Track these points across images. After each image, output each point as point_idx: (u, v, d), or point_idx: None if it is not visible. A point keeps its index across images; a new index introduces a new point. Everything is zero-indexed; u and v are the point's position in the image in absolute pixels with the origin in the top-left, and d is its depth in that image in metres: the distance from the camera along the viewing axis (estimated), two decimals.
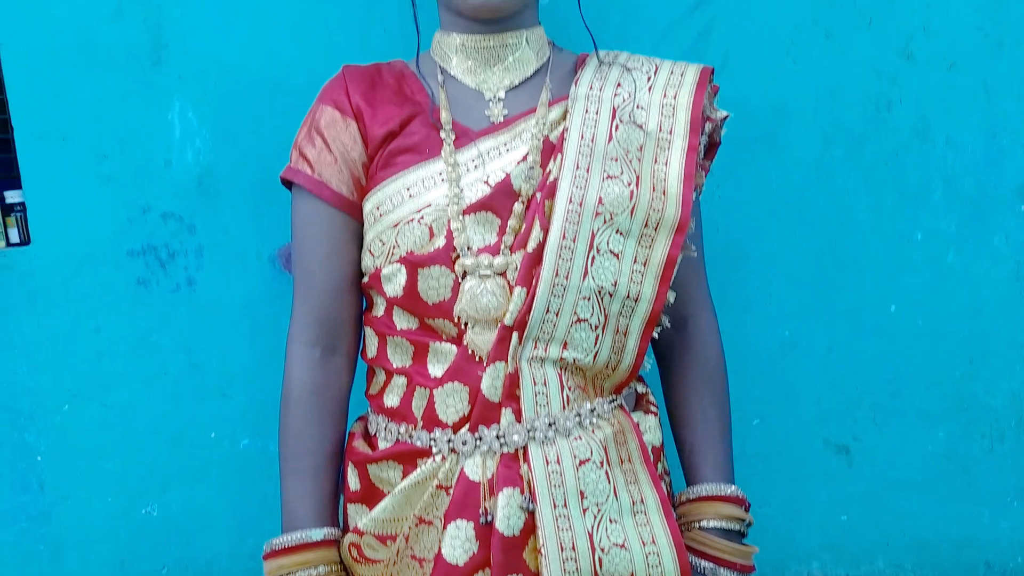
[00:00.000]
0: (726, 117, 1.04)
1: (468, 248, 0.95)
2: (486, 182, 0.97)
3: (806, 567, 1.46)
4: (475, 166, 0.97)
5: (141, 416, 1.32)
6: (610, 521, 0.94)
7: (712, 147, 1.05)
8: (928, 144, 1.37)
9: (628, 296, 0.96)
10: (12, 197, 1.37)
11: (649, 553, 0.95)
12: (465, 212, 0.95)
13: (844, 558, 1.45)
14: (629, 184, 0.96)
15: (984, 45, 1.35)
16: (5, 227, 1.37)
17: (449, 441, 0.96)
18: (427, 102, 1.01)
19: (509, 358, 0.94)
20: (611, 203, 0.95)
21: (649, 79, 1.02)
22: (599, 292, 0.95)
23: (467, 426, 0.95)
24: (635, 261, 0.96)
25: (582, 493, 0.94)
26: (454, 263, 0.95)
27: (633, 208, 0.95)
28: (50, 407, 1.31)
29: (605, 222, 0.95)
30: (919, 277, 1.40)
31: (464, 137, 0.99)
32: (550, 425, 0.95)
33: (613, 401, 1.01)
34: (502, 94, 1.02)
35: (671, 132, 0.98)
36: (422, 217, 0.96)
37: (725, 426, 1.08)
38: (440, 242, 0.95)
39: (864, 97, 1.35)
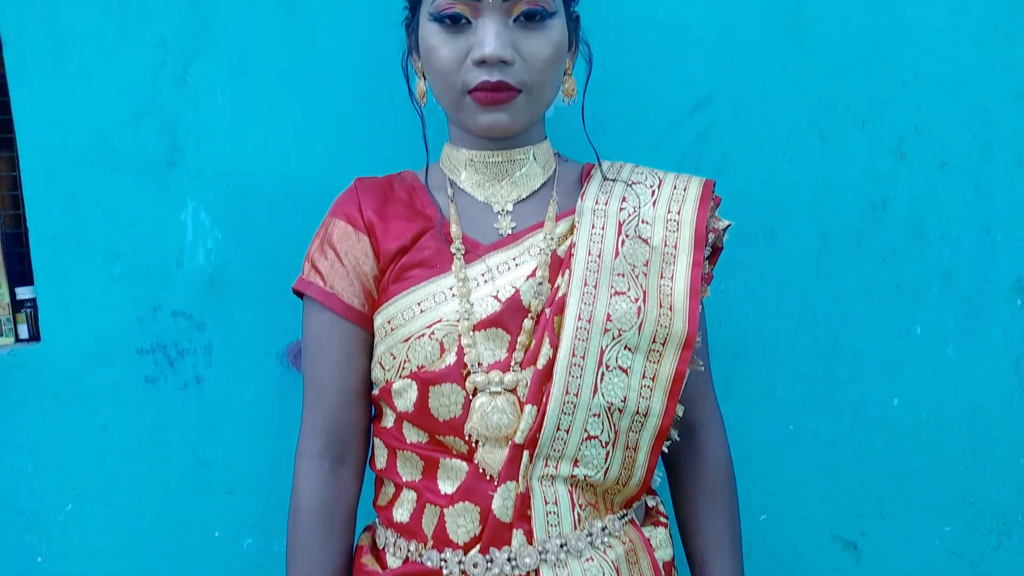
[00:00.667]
0: (728, 226, 1.07)
1: (479, 364, 0.96)
2: (496, 297, 0.98)
3: None
4: (485, 281, 0.99)
5: (144, 514, 1.32)
6: None
7: (715, 252, 1.08)
8: (923, 241, 1.40)
9: (638, 412, 0.97)
10: (23, 293, 1.39)
11: None
12: (475, 328, 0.97)
13: None
14: (636, 300, 0.98)
15: (974, 145, 1.40)
16: (15, 323, 1.39)
17: (460, 562, 0.95)
18: (437, 216, 1.04)
19: (520, 477, 0.95)
20: (619, 319, 0.97)
21: (653, 193, 1.04)
22: (609, 408, 0.96)
23: (478, 547, 0.95)
24: (644, 376, 0.97)
25: None
26: (465, 380, 0.96)
27: (641, 324, 0.97)
28: (53, 507, 1.31)
29: (614, 338, 0.96)
30: (920, 371, 1.41)
31: (473, 252, 1.01)
32: (562, 546, 0.95)
33: (624, 516, 1.01)
34: (510, 207, 1.04)
35: (676, 247, 1.00)
36: (432, 332, 0.97)
37: (735, 537, 1.08)
38: (451, 359, 0.96)
39: (860, 196, 1.39)
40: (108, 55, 1.29)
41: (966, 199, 1.40)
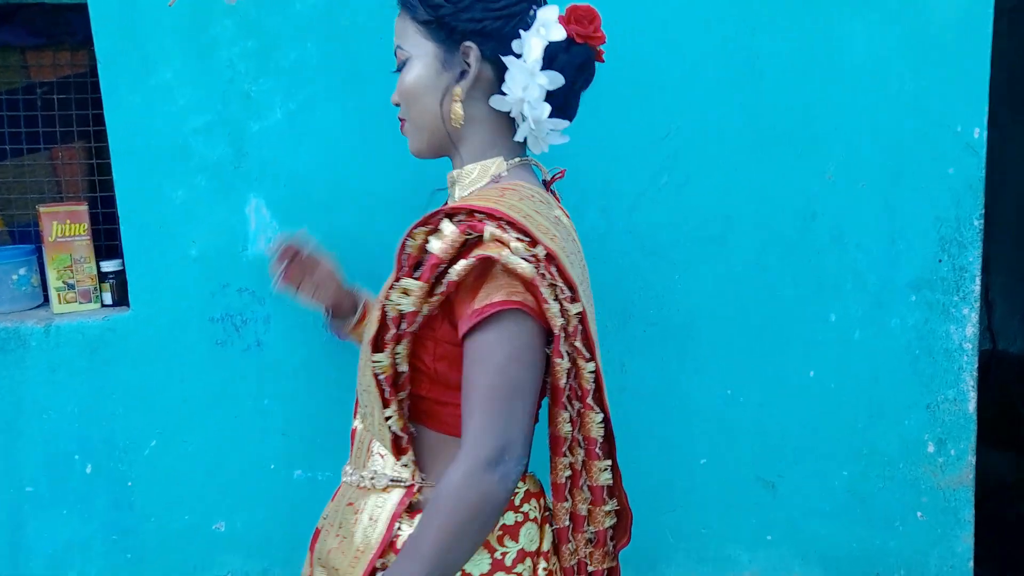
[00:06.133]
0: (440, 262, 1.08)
1: None
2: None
3: None
4: None
5: (214, 450, 1.64)
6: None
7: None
8: (842, 247, 1.75)
9: (371, 395, 1.17)
10: (107, 267, 1.66)
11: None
12: None
13: (769, 570, 1.83)
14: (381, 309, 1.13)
15: (885, 172, 1.74)
16: (101, 291, 1.67)
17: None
18: None
19: (357, 415, 1.26)
20: (372, 324, 1.15)
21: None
22: (362, 386, 1.19)
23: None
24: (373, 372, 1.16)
25: None
26: None
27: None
28: (140, 442, 1.62)
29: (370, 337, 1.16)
30: (832, 350, 1.78)
31: None
32: (351, 473, 1.22)
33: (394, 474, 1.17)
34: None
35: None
36: None
37: (417, 547, 1.05)
38: None
39: (793, 210, 1.73)
40: (186, 74, 1.55)
41: (878, 215, 1.75)
